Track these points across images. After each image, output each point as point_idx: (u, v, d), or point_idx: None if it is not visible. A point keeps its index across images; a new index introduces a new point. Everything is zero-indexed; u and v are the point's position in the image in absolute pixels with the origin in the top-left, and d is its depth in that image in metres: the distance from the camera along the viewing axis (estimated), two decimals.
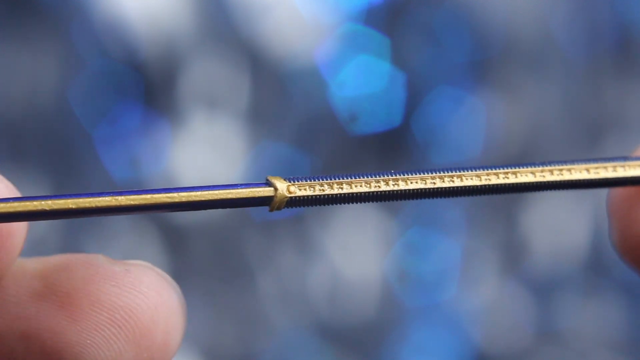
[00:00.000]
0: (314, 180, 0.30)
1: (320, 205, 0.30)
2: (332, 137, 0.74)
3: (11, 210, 0.28)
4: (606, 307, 0.77)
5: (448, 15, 0.75)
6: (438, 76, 0.75)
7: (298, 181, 0.30)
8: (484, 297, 0.76)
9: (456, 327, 0.75)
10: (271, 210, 0.30)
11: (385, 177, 0.30)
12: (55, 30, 0.69)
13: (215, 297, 0.72)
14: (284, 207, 0.29)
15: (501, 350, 0.76)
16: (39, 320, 0.30)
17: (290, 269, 0.73)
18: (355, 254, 0.74)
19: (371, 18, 0.74)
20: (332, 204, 0.30)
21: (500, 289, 0.76)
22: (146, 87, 0.71)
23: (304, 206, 0.30)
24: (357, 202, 0.30)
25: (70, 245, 0.69)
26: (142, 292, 0.30)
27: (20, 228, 0.29)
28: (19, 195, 0.29)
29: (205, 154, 0.72)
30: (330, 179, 0.30)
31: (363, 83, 0.74)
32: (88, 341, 0.29)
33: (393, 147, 0.75)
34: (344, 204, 0.30)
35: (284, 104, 0.73)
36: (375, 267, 0.74)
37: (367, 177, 0.30)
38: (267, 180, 0.29)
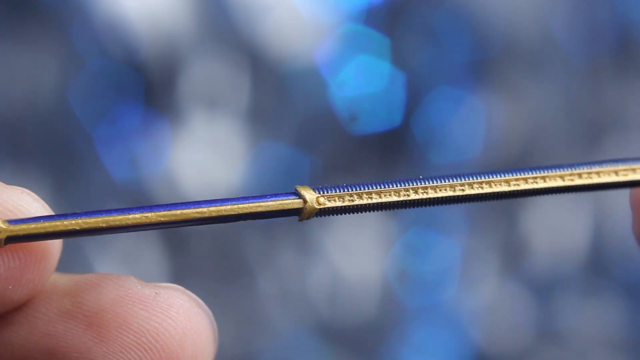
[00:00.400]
0: (344, 191, 0.30)
1: (349, 214, 0.30)
2: (332, 137, 0.74)
3: (42, 230, 0.28)
4: (606, 307, 0.77)
5: (448, 15, 0.75)
6: (438, 76, 0.75)
7: (327, 191, 0.30)
8: (484, 297, 0.76)
9: (456, 327, 0.75)
10: (300, 221, 0.30)
11: (415, 185, 0.30)
12: (55, 30, 0.69)
13: (216, 297, 0.72)
14: (313, 217, 0.30)
15: (501, 350, 0.76)
16: (66, 338, 0.30)
17: (290, 269, 0.73)
18: (355, 254, 0.74)
19: (371, 18, 0.74)
20: (362, 213, 0.30)
21: (500, 289, 0.76)
22: (146, 87, 0.71)
23: (333, 215, 0.30)
24: (386, 211, 0.30)
25: (70, 245, 0.69)
26: (171, 316, 0.30)
27: (54, 249, 0.29)
28: (52, 213, 0.29)
29: (205, 154, 0.72)
30: (360, 189, 0.30)
31: (363, 83, 0.74)
32: None
33: (393, 147, 0.75)
34: (373, 212, 0.30)
35: (284, 104, 0.73)
36: (375, 267, 0.74)
37: (397, 186, 0.30)
38: (296, 190, 0.30)
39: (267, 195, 0.29)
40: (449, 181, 0.30)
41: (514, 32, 0.76)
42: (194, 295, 0.30)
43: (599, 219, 0.77)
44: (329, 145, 0.74)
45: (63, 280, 0.30)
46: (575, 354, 0.77)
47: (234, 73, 0.72)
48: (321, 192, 0.29)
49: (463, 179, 0.30)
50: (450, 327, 0.75)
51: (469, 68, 0.76)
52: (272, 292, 0.73)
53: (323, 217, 0.30)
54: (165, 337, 0.29)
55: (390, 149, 0.75)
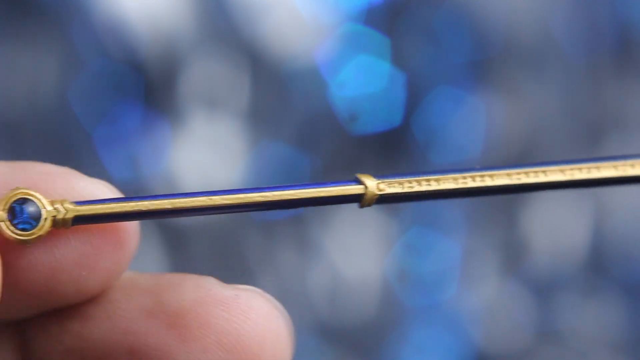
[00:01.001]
0: (403, 177, 0.30)
1: (408, 201, 0.31)
2: (332, 137, 0.74)
3: (109, 211, 0.29)
4: (606, 307, 0.77)
5: (448, 15, 0.75)
6: (438, 76, 0.75)
7: (387, 179, 0.30)
8: (484, 297, 0.76)
9: (456, 327, 0.75)
10: (361, 207, 0.30)
11: (472, 173, 0.30)
12: (55, 30, 0.69)
13: None
14: (373, 204, 0.30)
15: (501, 350, 0.76)
16: (147, 337, 0.30)
17: (290, 269, 0.73)
18: (355, 254, 0.74)
19: (371, 18, 0.74)
20: (420, 201, 0.31)
21: (500, 289, 0.76)
22: (146, 87, 0.71)
23: (392, 203, 0.30)
24: (444, 199, 0.31)
25: None
26: (251, 318, 0.30)
27: (130, 237, 0.30)
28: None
29: (205, 154, 0.72)
30: (419, 176, 0.30)
31: (363, 83, 0.74)
32: None
33: (393, 147, 0.75)
34: (432, 200, 0.31)
35: (284, 104, 0.73)
36: (375, 267, 0.74)
37: (454, 174, 0.30)
38: (357, 177, 0.30)
39: (327, 182, 0.30)
40: (505, 170, 0.30)
41: (514, 32, 0.76)
42: (272, 298, 0.31)
43: (599, 218, 0.77)
44: (329, 145, 0.74)
45: (143, 278, 0.31)
46: (575, 354, 0.77)
47: (234, 73, 0.72)
48: (381, 179, 0.30)
49: (519, 169, 0.31)
50: (450, 327, 0.75)
51: (468, 68, 0.76)
52: (271, 292, 0.73)
53: (383, 204, 0.30)
54: (246, 339, 0.30)
55: (390, 149, 0.75)
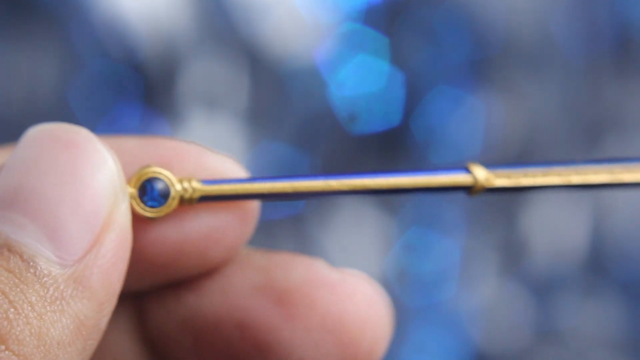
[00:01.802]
0: (512, 170, 0.30)
1: (513, 193, 0.31)
2: (331, 137, 0.74)
3: (233, 192, 0.30)
4: (605, 307, 0.77)
5: (448, 15, 0.75)
6: (437, 76, 0.75)
7: (496, 169, 0.30)
8: (484, 297, 0.76)
9: (456, 327, 0.76)
10: (470, 196, 0.31)
11: (576, 168, 0.31)
12: (55, 30, 0.69)
13: None
14: (481, 194, 0.30)
15: (501, 350, 0.76)
16: (256, 312, 0.31)
17: None
18: (355, 253, 0.74)
19: (370, 18, 0.74)
20: (525, 192, 0.31)
21: (500, 289, 0.76)
22: (146, 87, 0.71)
23: (499, 193, 0.31)
24: (549, 191, 0.31)
25: None
26: (355, 302, 0.31)
27: (253, 213, 0.31)
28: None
29: None
30: (526, 168, 0.31)
31: (362, 83, 0.74)
32: (298, 341, 0.31)
33: (392, 146, 0.75)
34: (535, 192, 0.31)
35: (283, 103, 0.73)
36: (375, 267, 0.74)
37: (559, 168, 0.31)
38: (467, 167, 0.30)
39: (438, 169, 0.30)
40: (607, 165, 0.31)
41: (514, 32, 0.76)
42: (376, 284, 0.32)
43: (598, 219, 0.77)
44: (328, 145, 0.74)
45: (256, 255, 0.32)
46: (574, 354, 0.77)
47: (234, 73, 0.72)
48: (490, 170, 0.30)
49: (621, 164, 0.31)
50: (450, 327, 0.75)
51: (468, 68, 0.76)
52: None
53: (490, 194, 0.31)
54: (348, 322, 0.31)
55: (389, 149, 0.75)
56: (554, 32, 0.76)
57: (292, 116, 0.73)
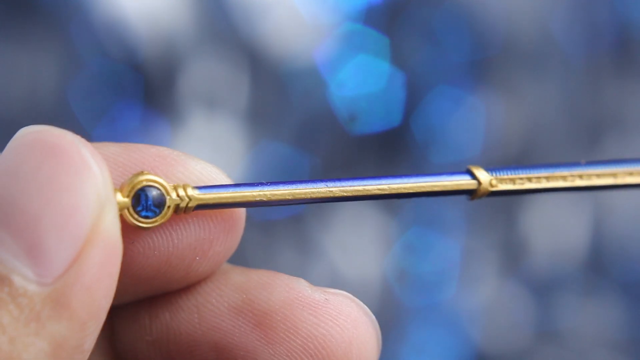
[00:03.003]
0: (515, 174, 0.30)
1: (517, 195, 0.31)
2: (331, 137, 0.74)
3: (230, 200, 0.29)
4: (605, 307, 0.77)
5: (448, 15, 0.75)
6: (437, 76, 0.75)
7: (499, 173, 0.30)
8: (484, 297, 0.76)
9: (456, 327, 0.75)
10: (471, 200, 0.30)
11: (580, 171, 0.31)
12: (55, 30, 0.69)
13: None
14: (484, 198, 0.30)
15: (501, 350, 0.76)
16: (233, 334, 0.30)
17: (290, 268, 0.73)
18: (355, 254, 0.74)
19: (370, 18, 0.74)
20: (530, 195, 0.31)
21: (500, 289, 0.76)
22: (146, 87, 0.71)
23: (502, 196, 0.30)
24: (553, 194, 0.31)
25: None
26: (339, 323, 0.30)
27: (241, 222, 0.30)
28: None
29: (205, 154, 0.72)
30: (530, 172, 0.30)
31: (362, 83, 0.74)
32: None
33: (392, 146, 0.75)
34: (539, 194, 0.31)
35: (283, 103, 0.73)
36: (374, 267, 0.74)
37: (563, 171, 0.30)
38: (469, 170, 0.30)
39: (441, 174, 0.30)
40: (610, 168, 0.31)
41: (514, 32, 0.76)
42: (361, 304, 0.30)
43: (598, 219, 0.77)
44: (328, 145, 0.74)
45: (235, 273, 0.30)
46: (574, 354, 0.77)
47: (234, 73, 0.72)
48: (494, 174, 0.30)
49: (623, 167, 0.31)
50: (450, 327, 0.75)
51: (468, 68, 0.76)
52: None
53: (493, 197, 0.31)
54: (332, 345, 0.29)
55: (389, 149, 0.75)
56: (554, 32, 0.76)
57: (292, 116, 0.73)
